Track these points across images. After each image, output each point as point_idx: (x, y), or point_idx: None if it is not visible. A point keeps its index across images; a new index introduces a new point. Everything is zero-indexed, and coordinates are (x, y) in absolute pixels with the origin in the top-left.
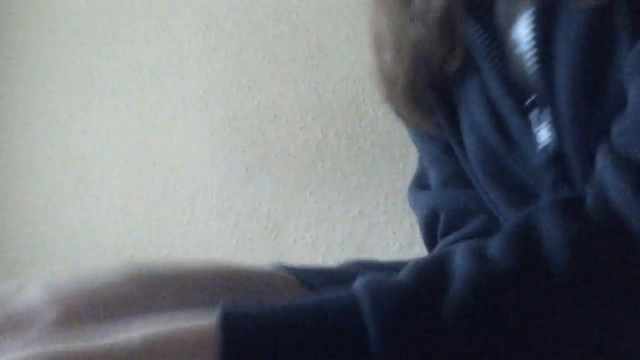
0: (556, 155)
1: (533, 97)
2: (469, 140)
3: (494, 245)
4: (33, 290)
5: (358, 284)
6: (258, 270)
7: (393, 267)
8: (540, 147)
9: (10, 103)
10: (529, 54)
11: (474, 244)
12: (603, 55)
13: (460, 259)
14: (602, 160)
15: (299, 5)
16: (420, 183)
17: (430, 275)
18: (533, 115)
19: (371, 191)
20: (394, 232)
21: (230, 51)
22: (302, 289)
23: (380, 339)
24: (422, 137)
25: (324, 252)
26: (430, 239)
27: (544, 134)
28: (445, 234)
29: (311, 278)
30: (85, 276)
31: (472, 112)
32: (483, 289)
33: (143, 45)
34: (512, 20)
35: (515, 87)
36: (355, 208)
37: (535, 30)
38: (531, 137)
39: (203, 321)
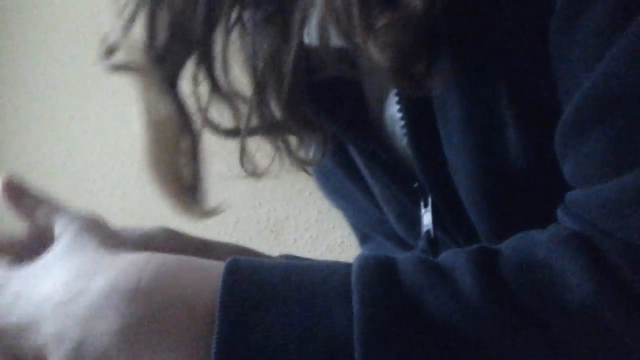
0: (433, 244)
1: (417, 183)
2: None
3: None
4: None
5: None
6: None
7: None
8: (423, 231)
9: (10, 103)
10: (404, 138)
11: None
12: (489, 138)
13: (468, 276)
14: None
15: None
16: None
17: (433, 282)
18: (421, 198)
19: None
20: None
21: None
22: None
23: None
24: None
25: (324, 252)
26: None
27: (427, 219)
28: None
29: None
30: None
31: (371, 193)
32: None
33: None
34: (381, 99)
35: (399, 172)
36: None
37: (404, 110)
38: (418, 219)
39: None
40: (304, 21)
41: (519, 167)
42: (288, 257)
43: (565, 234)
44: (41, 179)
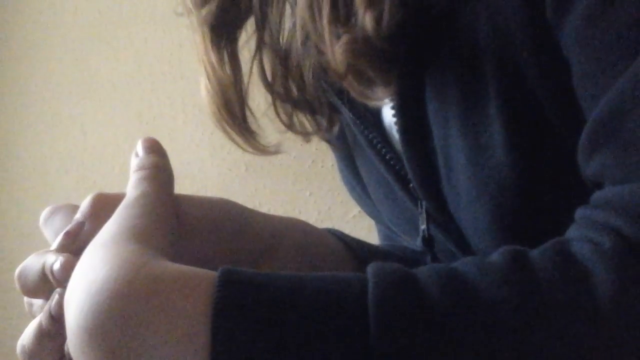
0: (428, 242)
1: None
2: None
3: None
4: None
5: (371, 275)
6: (320, 230)
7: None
8: (420, 229)
9: (11, 103)
10: (400, 142)
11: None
12: (482, 150)
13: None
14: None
15: None
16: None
17: (455, 286)
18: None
19: None
20: None
21: None
22: (349, 257)
23: (379, 337)
24: (363, 202)
25: None
26: None
27: (422, 220)
28: None
29: (360, 249)
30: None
31: (372, 187)
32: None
33: (143, 45)
34: (378, 105)
35: (399, 171)
36: (356, 208)
37: (399, 117)
38: (416, 218)
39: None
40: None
41: (508, 181)
42: (334, 231)
43: (607, 247)
44: (41, 179)
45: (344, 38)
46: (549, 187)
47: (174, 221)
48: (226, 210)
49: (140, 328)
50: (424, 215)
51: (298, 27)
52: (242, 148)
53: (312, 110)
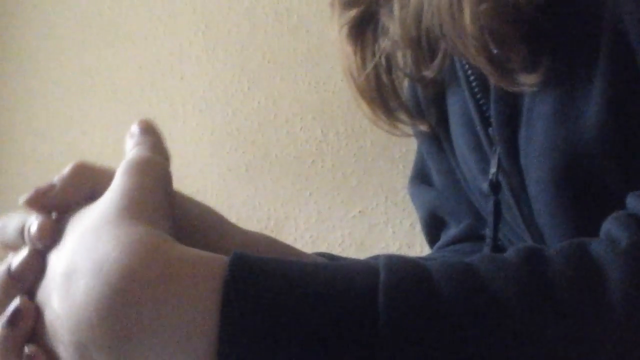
0: (495, 188)
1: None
2: (456, 145)
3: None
4: None
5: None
6: (303, 253)
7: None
8: (490, 174)
9: (11, 103)
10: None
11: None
12: (571, 108)
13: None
14: None
15: (299, 5)
16: (421, 175)
17: (462, 279)
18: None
19: (371, 191)
20: (394, 232)
21: (230, 51)
22: None
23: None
24: (421, 132)
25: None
26: (432, 238)
27: (493, 164)
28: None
29: None
30: None
31: (455, 121)
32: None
33: (143, 45)
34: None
35: (485, 112)
36: (355, 208)
37: None
38: (488, 161)
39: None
40: None
41: (589, 143)
42: (324, 255)
43: (623, 247)
44: (41, 179)
45: (490, 2)
46: (627, 162)
47: (172, 199)
48: (205, 216)
49: (152, 311)
50: (496, 159)
51: None
52: (392, 133)
53: (423, 48)
